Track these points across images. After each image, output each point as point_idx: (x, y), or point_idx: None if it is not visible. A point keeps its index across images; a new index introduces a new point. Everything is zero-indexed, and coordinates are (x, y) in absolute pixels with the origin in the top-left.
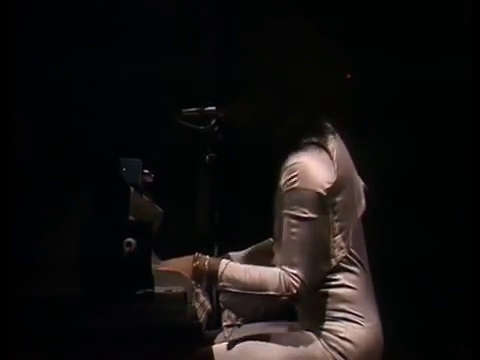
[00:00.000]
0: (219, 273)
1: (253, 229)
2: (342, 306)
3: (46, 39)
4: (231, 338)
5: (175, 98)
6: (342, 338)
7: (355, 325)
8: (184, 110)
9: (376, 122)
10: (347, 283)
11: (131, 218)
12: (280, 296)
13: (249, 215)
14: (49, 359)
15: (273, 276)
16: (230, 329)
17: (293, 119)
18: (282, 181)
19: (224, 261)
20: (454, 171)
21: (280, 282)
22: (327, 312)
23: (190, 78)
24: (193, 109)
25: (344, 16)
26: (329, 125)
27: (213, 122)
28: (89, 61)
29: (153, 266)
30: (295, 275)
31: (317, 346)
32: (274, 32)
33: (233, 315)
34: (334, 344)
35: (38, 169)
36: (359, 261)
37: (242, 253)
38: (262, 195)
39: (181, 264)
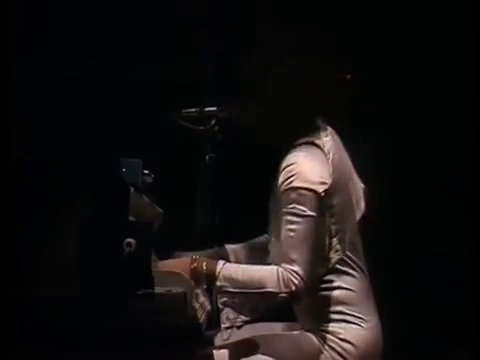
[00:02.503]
0: (216, 273)
1: (253, 229)
2: (339, 308)
3: (47, 39)
4: (230, 340)
5: (175, 98)
6: (341, 339)
7: (354, 326)
8: (184, 110)
9: (375, 122)
10: (343, 285)
11: (131, 218)
12: (279, 293)
13: (249, 215)
14: (49, 359)
15: (271, 273)
16: (229, 331)
17: (288, 120)
18: (280, 180)
19: (221, 262)
20: (453, 170)
21: (278, 279)
22: (325, 314)
23: (190, 78)
24: (193, 109)
25: (343, 16)
26: (326, 126)
27: (213, 122)
28: (89, 61)
29: (153, 266)
30: (294, 272)
31: (316, 347)
32: (269, 38)
33: (232, 316)
34: (333, 345)
35: (38, 169)
36: (355, 263)
37: (237, 246)
38: (261, 195)
39: (180, 265)
